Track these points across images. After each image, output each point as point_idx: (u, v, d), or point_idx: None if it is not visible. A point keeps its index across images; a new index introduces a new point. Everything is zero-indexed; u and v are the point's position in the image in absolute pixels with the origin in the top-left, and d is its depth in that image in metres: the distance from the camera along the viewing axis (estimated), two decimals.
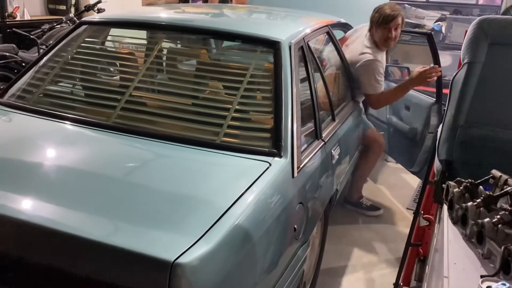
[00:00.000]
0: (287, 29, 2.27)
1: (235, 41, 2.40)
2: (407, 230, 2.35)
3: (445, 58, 4.64)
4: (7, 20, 5.05)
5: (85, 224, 1.28)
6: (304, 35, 2.23)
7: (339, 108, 2.67)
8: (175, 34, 2.42)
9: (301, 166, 1.81)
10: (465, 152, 1.68)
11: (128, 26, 2.39)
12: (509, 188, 1.26)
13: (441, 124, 1.82)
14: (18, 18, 5.30)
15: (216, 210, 1.36)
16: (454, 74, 1.79)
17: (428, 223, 1.91)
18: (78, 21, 2.48)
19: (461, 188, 1.35)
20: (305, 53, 2.18)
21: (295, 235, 1.73)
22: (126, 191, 1.50)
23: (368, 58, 2.94)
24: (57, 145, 1.81)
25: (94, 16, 2.72)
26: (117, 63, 2.37)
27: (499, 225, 1.12)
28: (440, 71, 2.91)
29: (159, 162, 1.76)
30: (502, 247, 1.05)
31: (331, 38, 2.79)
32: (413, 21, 5.65)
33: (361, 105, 3.19)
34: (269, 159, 1.69)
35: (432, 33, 3.52)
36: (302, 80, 2.09)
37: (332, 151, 2.26)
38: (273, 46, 2.02)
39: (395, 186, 3.77)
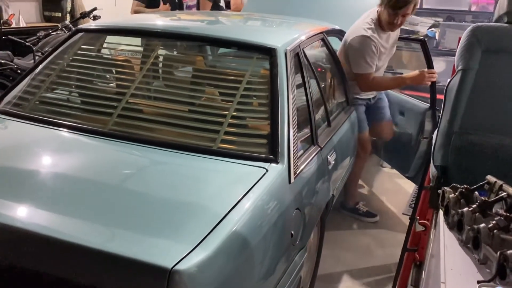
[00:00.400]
0: (283, 36, 2.29)
1: (231, 48, 2.41)
2: (403, 236, 2.36)
3: (439, 64, 4.68)
4: (2, 27, 5.04)
5: (82, 231, 1.28)
6: (299, 42, 2.24)
7: (334, 114, 2.69)
8: (172, 41, 2.43)
9: (297, 172, 1.81)
10: (460, 157, 1.70)
11: (125, 33, 2.40)
12: (504, 193, 1.27)
13: (436, 130, 1.83)
14: (13, 25, 5.30)
15: (213, 216, 1.37)
16: (449, 80, 1.81)
17: (424, 228, 1.92)
18: (74, 29, 2.49)
19: (456, 193, 1.35)
20: (300, 59, 2.19)
21: (292, 241, 1.73)
22: (123, 198, 1.50)
23: (361, 33, 2.77)
24: (54, 152, 1.81)
25: (90, 24, 2.72)
26: (114, 70, 2.38)
27: (495, 231, 1.13)
28: (435, 77, 2.92)
29: (156, 168, 1.77)
30: (498, 253, 1.06)
31: (326, 45, 2.81)
32: (407, 28, 5.69)
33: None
34: (266, 165, 1.70)
35: (426, 39, 3.55)
36: (298, 86, 2.10)
37: (328, 156, 2.27)
38: (269, 53, 2.03)
39: (390, 192, 3.78)
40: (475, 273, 1.13)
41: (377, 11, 2.86)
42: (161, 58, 2.39)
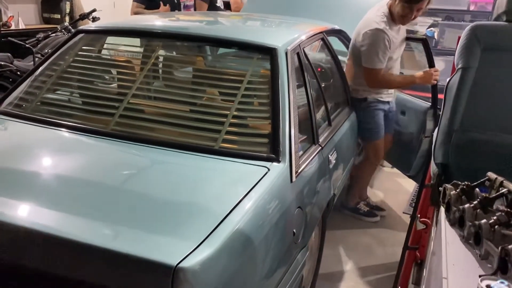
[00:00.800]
0: (283, 36, 2.30)
1: (232, 48, 2.42)
2: (404, 234, 2.38)
3: (438, 64, 4.66)
4: (1, 29, 5.05)
5: (87, 230, 1.29)
6: (300, 42, 2.25)
7: (335, 113, 2.70)
8: (172, 41, 2.44)
9: (299, 171, 1.82)
10: (461, 155, 1.71)
11: (125, 34, 2.41)
12: (505, 189, 1.28)
13: (437, 128, 1.85)
14: (12, 27, 5.31)
15: (216, 215, 1.38)
16: (449, 79, 1.82)
17: (425, 227, 1.93)
18: (74, 30, 2.49)
19: (457, 190, 1.37)
20: (301, 59, 2.20)
21: (294, 239, 1.74)
22: (127, 197, 1.51)
23: (375, 26, 2.72)
24: (57, 152, 1.81)
25: (90, 25, 2.73)
26: (115, 70, 2.39)
27: (496, 226, 1.14)
28: (439, 75, 2.94)
29: (158, 168, 1.77)
30: (499, 248, 1.07)
31: (326, 44, 2.82)
32: (406, 27, 5.70)
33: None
34: (267, 164, 1.71)
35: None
36: (299, 86, 2.11)
37: (329, 155, 2.28)
38: (269, 52, 2.04)
39: (391, 191, 3.79)
40: (476, 268, 1.14)
41: (388, 3, 2.83)
42: (162, 59, 2.40)
